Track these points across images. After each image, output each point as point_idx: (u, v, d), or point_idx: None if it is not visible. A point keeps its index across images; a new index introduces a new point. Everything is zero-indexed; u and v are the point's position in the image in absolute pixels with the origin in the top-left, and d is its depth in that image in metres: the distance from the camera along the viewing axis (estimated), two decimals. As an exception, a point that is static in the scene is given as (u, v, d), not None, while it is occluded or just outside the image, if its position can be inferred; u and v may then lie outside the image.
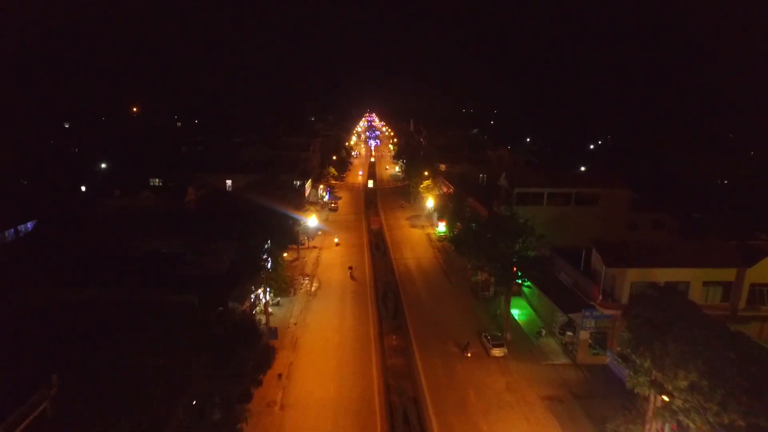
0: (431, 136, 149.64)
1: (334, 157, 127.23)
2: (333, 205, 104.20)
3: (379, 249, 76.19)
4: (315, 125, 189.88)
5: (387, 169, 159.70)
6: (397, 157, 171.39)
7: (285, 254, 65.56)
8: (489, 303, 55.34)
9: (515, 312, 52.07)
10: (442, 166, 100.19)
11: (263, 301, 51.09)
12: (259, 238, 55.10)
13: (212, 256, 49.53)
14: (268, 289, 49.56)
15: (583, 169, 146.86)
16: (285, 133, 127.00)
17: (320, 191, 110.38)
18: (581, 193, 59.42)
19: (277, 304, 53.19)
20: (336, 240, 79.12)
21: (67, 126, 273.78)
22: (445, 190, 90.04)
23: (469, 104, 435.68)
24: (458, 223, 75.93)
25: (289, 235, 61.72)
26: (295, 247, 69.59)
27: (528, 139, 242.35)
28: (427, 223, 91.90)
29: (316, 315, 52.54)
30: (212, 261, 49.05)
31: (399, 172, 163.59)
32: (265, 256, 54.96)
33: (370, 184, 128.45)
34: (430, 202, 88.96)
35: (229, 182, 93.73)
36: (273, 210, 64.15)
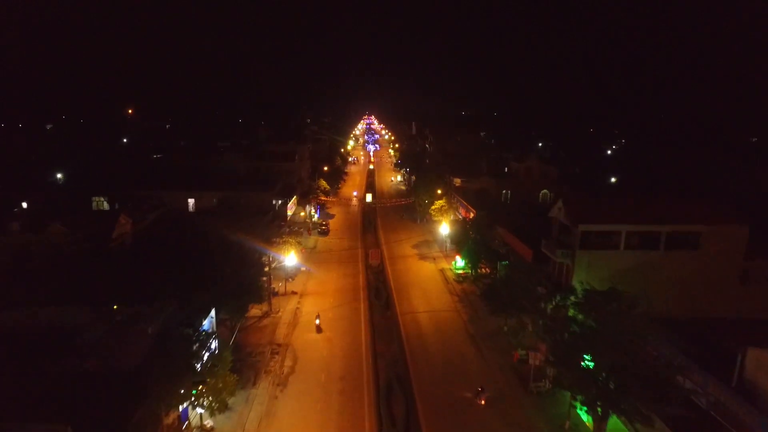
0: (438, 141, 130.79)
1: (326, 168, 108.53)
2: (323, 226, 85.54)
3: (379, 296, 57.33)
4: (308, 128, 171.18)
5: (391, 181, 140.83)
6: (399, 165, 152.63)
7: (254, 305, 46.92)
8: (547, 402, 36.65)
9: None
10: (457, 181, 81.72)
11: (198, 413, 32.47)
12: (207, 296, 36.72)
13: (125, 334, 31.20)
14: (201, 402, 30.79)
15: (613, 180, 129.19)
16: (271, 139, 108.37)
17: (309, 209, 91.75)
18: (676, 232, 40.77)
19: (225, 408, 34.27)
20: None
21: (48, 127, 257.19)
22: (463, 213, 71.55)
23: (467, 106, 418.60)
24: (484, 263, 57.58)
25: (252, 290, 43.15)
26: (267, 297, 51.01)
27: (540, 144, 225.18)
28: (439, 253, 73.27)
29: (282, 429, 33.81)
30: (125, 342, 30.64)
31: (401, 181, 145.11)
32: (209, 330, 36.42)
33: (369, 197, 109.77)
34: (444, 228, 70.34)
35: (191, 202, 75.08)
36: (238, 246, 45.72)
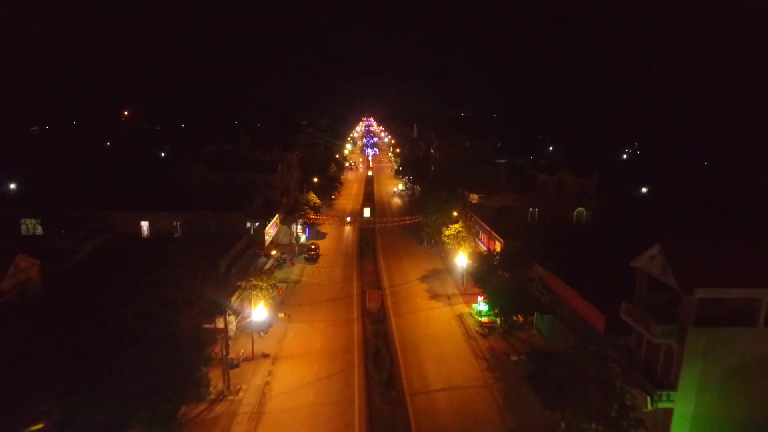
0: (445, 146, 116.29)
1: (316, 179, 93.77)
2: (312, 251, 70.86)
3: (380, 363, 42.21)
4: (302, 132, 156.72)
5: (394, 192, 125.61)
6: (401, 172, 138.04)
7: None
8: None
9: None
10: (474, 197, 66.99)
11: None
12: (101, 413, 22.31)
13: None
14: None
15: (644, 190, 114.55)
16: (254, 145, 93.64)
17: (295, 229, 77.10)
18: None
19: None
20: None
21: (33, 129, 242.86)
22: (484, 240, 56.92)
23: (467, 108, 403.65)
24: (517, 311, 43.09)
25: (187, 386, 28.44)
26: (224, 371, 36.28)
27: (551, 148, 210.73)
28: (454, 289, 58.59)
29: None
30: None
31: (403, 190, 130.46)
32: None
33: (367, 212, 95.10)
34: (461, 260, 55.59)
35: (145, 226, 60.38)
36: (167, 314, 31.18)
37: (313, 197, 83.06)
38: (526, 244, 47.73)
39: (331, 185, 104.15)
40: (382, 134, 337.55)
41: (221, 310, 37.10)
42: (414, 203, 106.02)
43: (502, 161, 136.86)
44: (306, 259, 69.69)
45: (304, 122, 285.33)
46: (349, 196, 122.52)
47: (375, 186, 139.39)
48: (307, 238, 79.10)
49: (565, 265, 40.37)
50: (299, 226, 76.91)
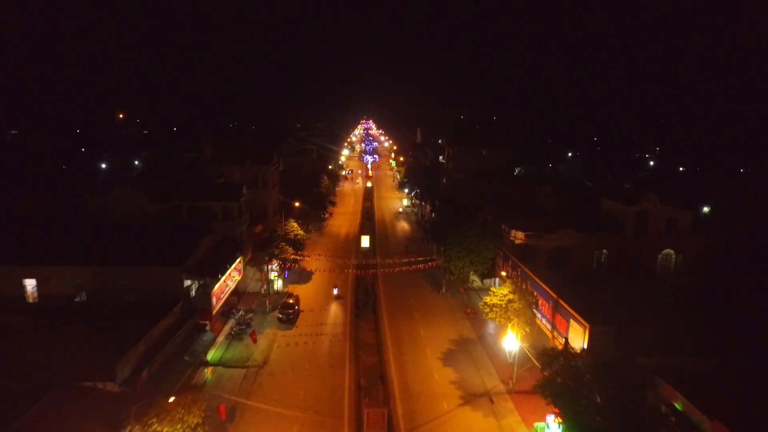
0: (460, 155, 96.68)
1: (297, 204, 73.40)
2: (288, 307, 50.71)
3: None
4: (290, 138, 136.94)
5: (399, 212, 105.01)
6: (405, 184, 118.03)
7: None
8: None
9: None
10: (518, 236, 46.58)
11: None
12: None
13: None
14: None
15: (706, 209, 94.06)
16: (221, 156, 73.49)
17: (269, 271, 56.98)
18: None
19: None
20: None
21: (12, 133, 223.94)
22: (547, 313, 36.64)
23: (466, 109, 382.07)
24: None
25: None
26: None
27: (570, 154, 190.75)
28: (497, 381, 38.65)
29: None
30: None
31: (409, 206, 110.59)
32: None
33: (366, 241, 75.00)
34: (511, 342, 35.55)
35: (30, 285, 40.47)
36: None
37: (294, 227, 62.98)
38: (628, 334, 27.81)
39: (321, 205, 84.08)
40: (382, 138, 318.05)
41: None
42: (424, 228, 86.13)
43: (519, 170, 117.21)
44: (280, 320, 49.66)
45: (298, 125, 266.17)
46: (344, 215, 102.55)
47: (375, 201, 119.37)
48: (285, 281, 59.15)
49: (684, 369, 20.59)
50: (273, 269, 56.82)
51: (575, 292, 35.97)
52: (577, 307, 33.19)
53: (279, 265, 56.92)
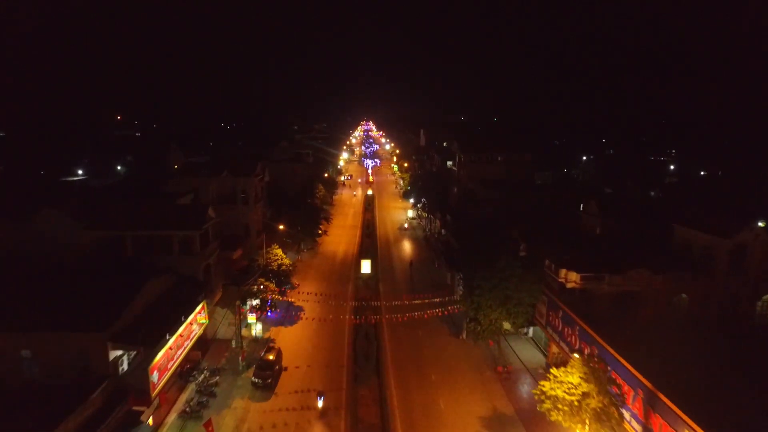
0: (474, 162, 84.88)
1: (281, 227, 61.23)
2: (266, 368, 38.72)
3: None
4: (282, 142, 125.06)
5: (404, 228, 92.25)
6: (410, 193, 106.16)
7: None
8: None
9: None
10: (572, 277, 34.35)
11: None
12: None
13: None
14: None
15: None
16: (192, 166, 61.43)
17: (247, 312, 45.11)
18: None
19: None
20: None
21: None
22: (635, 409, 24.79)
23: (465, 110, 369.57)
24: None
25: None
26: None
27: (585, 158, 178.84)
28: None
29: None
30: None
31: (414, 219, 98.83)
32: None
33: (366, 266, 62.88)
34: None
35: None
36: None
37: (278, 255, 51.03)
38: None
39: (315, 221, 72.15)
40: (383, 140, 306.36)
41: None
42: (435, 247, 74.19)
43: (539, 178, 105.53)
44: (254, 385, 37.76)
45: (295, 127, 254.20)
46: (342, 228, 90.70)
47: (376, 211, 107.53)
48: (267, 323, 47.29)
49: None
50: (252, 309, 44.94)
51: (674, 371, 24.14)
52: (690, 409, 21.28)
53: (258, 305, 45.04)
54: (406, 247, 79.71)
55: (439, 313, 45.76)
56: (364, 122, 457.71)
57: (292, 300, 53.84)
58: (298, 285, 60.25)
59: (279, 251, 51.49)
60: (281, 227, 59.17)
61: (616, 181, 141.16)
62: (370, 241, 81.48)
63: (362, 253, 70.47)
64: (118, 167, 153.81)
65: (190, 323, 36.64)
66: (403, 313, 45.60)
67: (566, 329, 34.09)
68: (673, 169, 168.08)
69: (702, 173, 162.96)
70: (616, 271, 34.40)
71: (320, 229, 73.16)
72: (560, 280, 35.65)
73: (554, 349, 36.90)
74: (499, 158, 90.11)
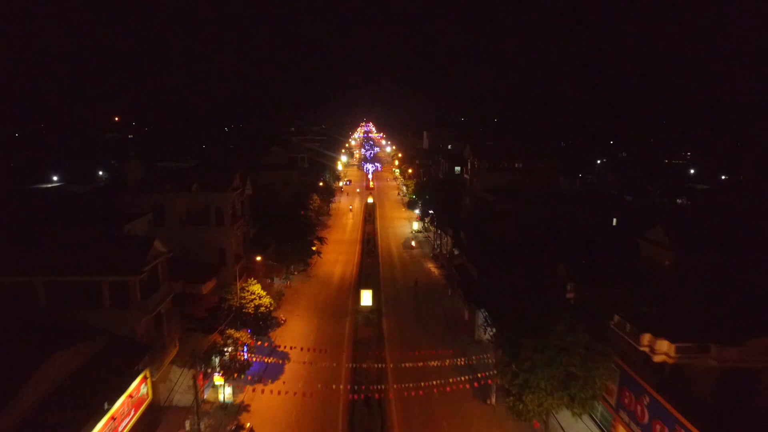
0: (489, 170, 74.46)
1: (260, 258, 50.06)
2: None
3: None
4: (275, 147, 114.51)
5: (412, 248, 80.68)
6: (415, 203, 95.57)
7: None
8: None
9: None
10: (662, 348, 24.12)
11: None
12: None
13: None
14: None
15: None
16: (155, 179, 50.54)
17: (212, 373, 34.50)
18: None
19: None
20: None
21: None
22: None
23: (465, 112, 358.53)
24: None
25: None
26: None
27: (599, 162, 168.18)
28: None
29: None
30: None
31: (420, 232, 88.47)
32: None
33: (367, 298, 52.15)
34: None
35: None
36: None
37: (255, 292, 40.40)
38: None
39: (308, 242, 61.50)
40: (383, 141, 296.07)
41: None
42: (447, 271, 63.56)
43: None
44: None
45: (292, 129, 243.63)
46: (339, 244, 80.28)
47: (378, 222, 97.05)
48: (240, 381, 36.71)
49: None
50: (218, 364, 34.37)
51: None
52: None
53: (226, 363, 34.48)
54: (413, 269, 68.94)
55: (460, 362, 35.40)
56: (363, 123, 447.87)
57: (276, 344, 43.43)
58: (285, 321, 49.88)
59: (257, 287, 40.85)
60: (259, 258, 48.50)
61: (636, 187, 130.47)
62: (371, 261, 71.02)
63: (362, 279, 60.01)
64: (100, 172, 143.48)
65: (122, 406, 26.14)
66: (416, 382, 34.81)
67: (657, 425, 23.60)
68: (694, 174, 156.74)
69: (723, 177, 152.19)
70: (726, 340, 24.02)
71: (314, 250, 62.56)
72: (643, 348, 25.23)
73: (624, 434, 26.47)
74: (517, 165, 79.66)
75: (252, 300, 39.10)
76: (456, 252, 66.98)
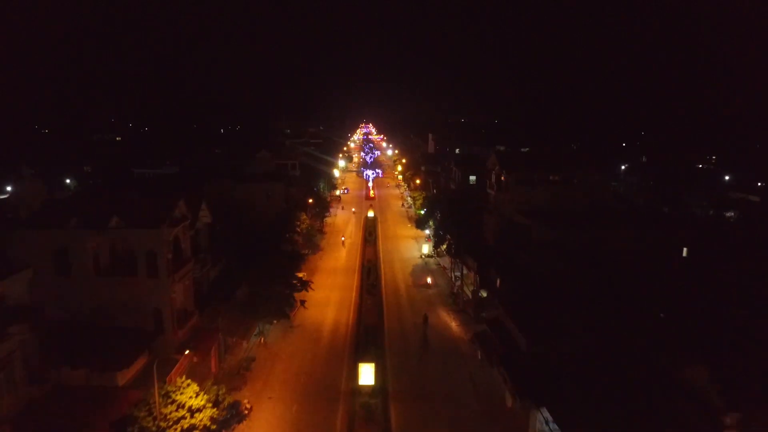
0: (522, 184, 58.79)
1: (216, 313, 34.81)
2: None
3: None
4: (263, 151, 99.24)
5: (426, 284, 63.50)
6: (425, 221, 79.77)
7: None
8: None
9: None
10: None
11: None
12: None
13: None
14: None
15: None
16: (52, 213, 35.64)
17: None
18: None
19: None
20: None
21: None
22: None
23: (465, 112, 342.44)
24: None
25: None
26: None
27: (623, 167, 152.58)
28: None
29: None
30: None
31: (431, 256, 73.31)
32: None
33: (368, 374, 36.90)
34: None
35: None
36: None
37: (189, 402, 25.03)
38: None
39: (288, 287, 46.27)
40: (383, 144, 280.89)
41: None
42: (482, 343, 47.96)
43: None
44: None
45: (288, 131, 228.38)
46: (333, 276, 65.06)
47: (380, 244, 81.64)
48: None
49: None
50: None
51: None
52: None
53: None
54: (431, 316, 52.90)
55: None
56: (363, 125, 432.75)
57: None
58: (250, 409, 34.53)
59: (193, 388, 25.50)
60: (219, 321, 33.12)
61: (673, 197, 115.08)
62: (372, 301, 55.53)
63: (361, 340, 44.49)
64: (67, 180, 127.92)
65: None
66: None
67: None
68: (730, 180, 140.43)
69: (759, 184, 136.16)
70: None
71: (296, 297, 47.31)
72: None
73: None
74: (552, 177, 64.37)
75: (180, 420, 23.67)
76: (484, 294, 51.67)
